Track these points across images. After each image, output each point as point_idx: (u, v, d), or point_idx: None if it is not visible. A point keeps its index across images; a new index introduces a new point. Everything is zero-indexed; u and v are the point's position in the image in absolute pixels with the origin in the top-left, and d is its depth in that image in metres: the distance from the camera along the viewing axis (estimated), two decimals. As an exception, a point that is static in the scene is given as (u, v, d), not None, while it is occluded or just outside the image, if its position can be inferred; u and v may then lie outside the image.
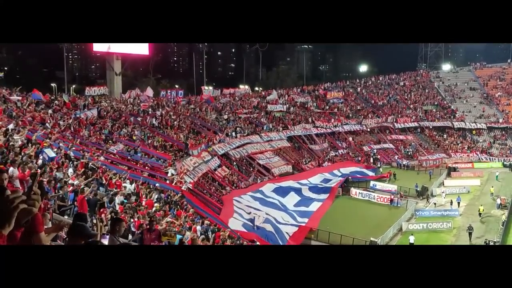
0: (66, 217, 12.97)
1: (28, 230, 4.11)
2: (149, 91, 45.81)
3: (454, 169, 50.04)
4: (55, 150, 18.68)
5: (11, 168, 11.73)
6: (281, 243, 27.63)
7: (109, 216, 14.12)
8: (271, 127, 49.93)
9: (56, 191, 14.09)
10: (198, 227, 20.13)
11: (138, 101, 41.87)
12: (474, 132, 61.13)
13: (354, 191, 40.73)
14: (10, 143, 16.05)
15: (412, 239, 29.08)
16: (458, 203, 37.47)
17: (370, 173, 46.76)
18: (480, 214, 34.55)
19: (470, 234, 29.19)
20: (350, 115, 59.38)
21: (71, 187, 15.21)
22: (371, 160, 51.97)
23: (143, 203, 19.07)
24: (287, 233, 29.83)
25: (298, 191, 38.18)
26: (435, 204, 38.47)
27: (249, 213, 30.98)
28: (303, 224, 31.72)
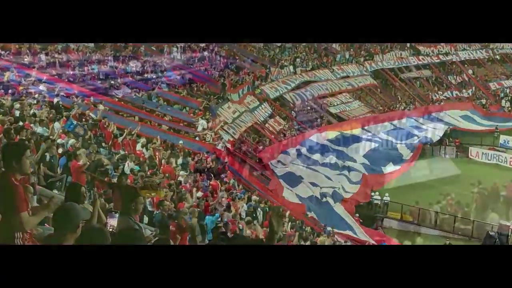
0: (55, 191, 13.18)
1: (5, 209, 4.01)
2: None
3: None
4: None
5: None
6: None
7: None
8: (347, 56, 48.86)
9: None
10: (243, 206, 20.17)
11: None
12: None
13: (474, 151, 39.85)
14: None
15: None
16: None
17: (493, 123, 45.07)
18: None
19: None
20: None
21: (60, 149, 15.44)
22: (502, 103, 50.16)
23: (161, 170, 19.15)
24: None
25: (369, 141, 38.39)
26: None
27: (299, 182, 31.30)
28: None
